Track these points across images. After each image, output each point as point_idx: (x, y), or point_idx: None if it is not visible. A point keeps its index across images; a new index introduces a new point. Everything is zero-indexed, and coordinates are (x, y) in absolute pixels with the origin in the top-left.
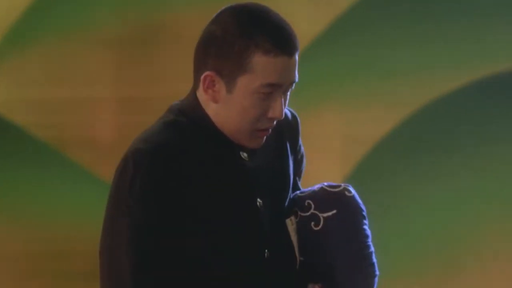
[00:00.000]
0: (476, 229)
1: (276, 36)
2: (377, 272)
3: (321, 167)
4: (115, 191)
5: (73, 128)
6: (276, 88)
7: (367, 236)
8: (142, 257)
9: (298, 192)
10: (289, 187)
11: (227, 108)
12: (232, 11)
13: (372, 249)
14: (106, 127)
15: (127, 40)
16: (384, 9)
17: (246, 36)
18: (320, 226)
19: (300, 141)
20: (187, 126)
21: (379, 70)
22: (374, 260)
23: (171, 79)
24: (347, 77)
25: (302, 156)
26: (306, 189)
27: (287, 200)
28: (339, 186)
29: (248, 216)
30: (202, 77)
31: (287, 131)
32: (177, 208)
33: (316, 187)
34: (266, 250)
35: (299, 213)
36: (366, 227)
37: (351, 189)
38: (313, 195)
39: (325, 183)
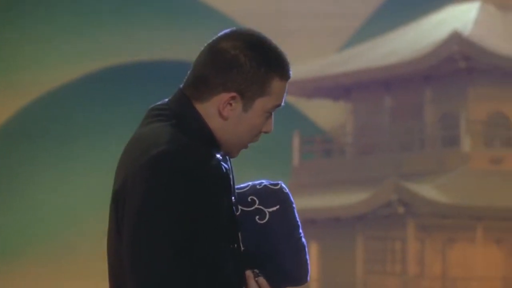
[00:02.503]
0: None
1: (286, 64)
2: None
3: None
4: (154, 199)
5: None
6: (277, 108)
7: (300, 227)
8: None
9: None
10: None
11: (237, 124)
12: (246, 37)
13: (304, 239)
14: None
15: None
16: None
17: (269, 63)
18: (265, 220)
19: None
20: (191, 133)
21: None
22: (307, 249)
23: None
24: None
25: None
26: (242, 185)
27: None
28: (278, 183)
29: (230, 213)
30: (226, 96)
31: None
32: (217, 207)
33: (256, 184)
34: (235, 244)
35: (241, 207)
36: (298, 219)
37: (285, 186)
38: (256, 191)
39: (264, 181)
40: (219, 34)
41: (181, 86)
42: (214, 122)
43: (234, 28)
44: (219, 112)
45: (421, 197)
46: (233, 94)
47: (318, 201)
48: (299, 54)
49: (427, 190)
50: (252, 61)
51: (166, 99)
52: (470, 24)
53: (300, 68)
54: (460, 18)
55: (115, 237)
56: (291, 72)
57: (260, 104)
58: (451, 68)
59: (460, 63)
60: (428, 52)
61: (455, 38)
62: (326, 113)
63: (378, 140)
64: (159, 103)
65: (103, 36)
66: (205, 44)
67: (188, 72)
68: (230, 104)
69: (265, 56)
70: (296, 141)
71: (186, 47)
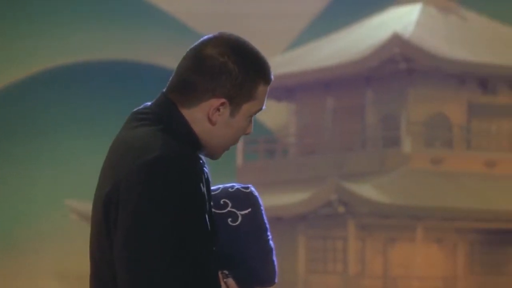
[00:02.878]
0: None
1: (269, 68)
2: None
3: None
4: (152, 202)
5: None
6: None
7: (268, 230)
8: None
9: None
10: None
11: (224, 128)
12: (233, 43)
13: (272, 242)
14: None
15: None
16: None
17: (255, 69)
18: (237, 223)
19: None
20: (179, 138)
21: None
22: (274, 251)
23: None
24: None
25: None
26: (214, 188)
27: None
28: (248, 187)
29: (211, 216)
30: (216, 102)
31: None
32: (205, 210)
33: (228, 187)
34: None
35: (213, 210)
36: (267, 221)
37: (254, 189)
38: (229, 194)
39: (236, 184)
40: (202, 40)
41: (164, 90)
42: (200, 127)
43: (217, 33)
44: (208, 117)
45: (361, 197)
46: (223, 100)
47: (262, 200)
48: None
49: (367, 190)
50: (240, 68)
51: (148, 103)
52: (411, 26)
53: None
54: (401, 20)
55: (103, 239)
56: (272, 76)
57: (246, 108)
58: (392, 69)
59: (400, 64)
60: (369, 54)
61: (396, 40)
62: (274, 114)
63: (321, 140)
64: (141, 107)
65: (50, 36)
66: (188, 50)
67: (171, 77)
68: (218, 110)
69: (252, 62)
70: (239, 142)
71: (135, 48)
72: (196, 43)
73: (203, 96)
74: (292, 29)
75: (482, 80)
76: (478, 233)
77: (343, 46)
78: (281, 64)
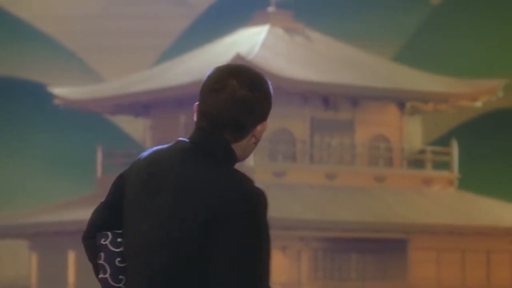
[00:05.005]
0: None
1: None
2: None
3: None
4: (256, 226)
5: None
6: None
7: None
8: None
9: None
10: None
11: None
12: (250, 75)
13: None
14: None
15: None
16: None
17: (269, 87)
18: None
19: None
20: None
21: None
22: None
23: None
24: None
25: None
26: None
27: None
28: None
29: None
30: (262, 127)
31: None
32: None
33: None
34: None
35: None
36: None
37: None
38: None
39: None
40: (223, 78)
41: (213, 129)
42: (243, 149)
43: (228, 69)
44: (256, 140)
45: None
46: (266, 123)
47: None
48: (113, 70)
49: None
50: (267, 93)
51: (194, 138)
52: (257, 47)
53: (100, 87)
54: (249, 40)
55: (194, 257)
56: None
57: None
58: None
59: None
60: None
61: (238, 60)
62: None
63: None
64: (191, 143)
65: None
66: (207, 88)
67: (207, 114)
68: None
69: (266, 83)
70: (99, 155)
71: (11, 65)
72: (212, 82)
73: (252, 129)
74: (159, 46)
75: (324, 97)
76: (321, 241)
77: (196, 65)
78: (138, 81)
